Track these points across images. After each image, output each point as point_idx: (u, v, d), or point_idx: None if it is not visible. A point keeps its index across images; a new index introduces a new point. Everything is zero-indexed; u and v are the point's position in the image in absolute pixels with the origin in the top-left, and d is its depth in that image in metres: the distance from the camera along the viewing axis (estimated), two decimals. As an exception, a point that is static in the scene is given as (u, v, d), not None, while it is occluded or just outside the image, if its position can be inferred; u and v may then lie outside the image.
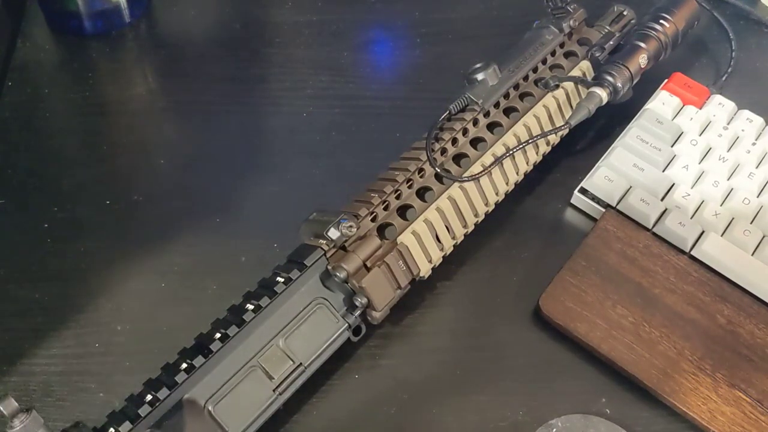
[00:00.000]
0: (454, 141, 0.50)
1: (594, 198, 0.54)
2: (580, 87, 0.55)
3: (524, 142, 0.51)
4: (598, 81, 0.54)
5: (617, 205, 0.54)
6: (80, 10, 0.61)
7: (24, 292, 0.49)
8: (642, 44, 0.56)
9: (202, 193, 0.55)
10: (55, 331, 0.48)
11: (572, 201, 0.55)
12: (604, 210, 0.53)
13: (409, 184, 0.48)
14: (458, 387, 0.47)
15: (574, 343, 0.48)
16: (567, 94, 0.54)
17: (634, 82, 0.55)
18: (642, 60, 0.55)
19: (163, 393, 0.39)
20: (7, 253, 0.51)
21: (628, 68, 0.54)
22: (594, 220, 0.54)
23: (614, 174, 0.54)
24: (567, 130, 0.54)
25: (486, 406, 0.46)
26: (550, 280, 0.50)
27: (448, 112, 0.51)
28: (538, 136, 0.52)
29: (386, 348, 0.48)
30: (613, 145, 0.57)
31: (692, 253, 0.51)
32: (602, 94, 0.53)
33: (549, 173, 0.57)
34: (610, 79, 0.54)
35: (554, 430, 0.45)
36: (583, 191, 0.54)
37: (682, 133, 0.57)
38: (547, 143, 0.54)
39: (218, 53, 0.63)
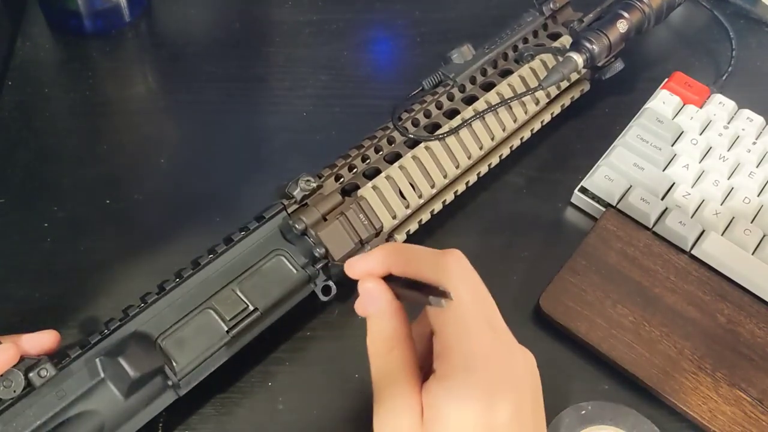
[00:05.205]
0: (428, 114, 0.51)
1: (594, 197, 0.54)
2: (559, 58, 0.54)
3: (496, 104, 0.51)
4: (574, 47, 0.53)
5: (617, 204, 0.53)
6: (80, 10, 0.61)
7: (24, 292, 0.49)
8: (623, 12, 0.54)
9: (202, 192, 0.55)
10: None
11: (572, 200, 0.55)
12: (604, 209, 0.53)
13: (378, 151, 0.49)
14: (458, 386, 0.47)
15: (575, 342, 0.48)
16: (545, 65, 0.54)
17: (615, 50, 0.54)
18: (621, 26, 0.54)
19: (113, 324, 0.41)
20: (7, 253, 0.51)
21: (606, 35, 0.53)
22: (594, 219, 0.54)
23: (614, 173, 0.54)
24: (541, 91, 0.53)
25: (486, 406, 0.46)
26: (550, 279, 0.50)
27: (421, 87, 0.52)
28: (510, 98, 0.52)
29: (386, 347, 0.48)
30: (613, 144, 0.57)
31: (692, 252, 0.51)
32: (578, 59, 0.52)
33: (549, 173, 0.57)
34: (586, 44, 0.53)
35: (583, 412, 0.45)
36: (584, 190, 0.54)
37: (683, 132, 0.57)
38: (525, 112, 0.53)
39: (218, 52, 0.63)
